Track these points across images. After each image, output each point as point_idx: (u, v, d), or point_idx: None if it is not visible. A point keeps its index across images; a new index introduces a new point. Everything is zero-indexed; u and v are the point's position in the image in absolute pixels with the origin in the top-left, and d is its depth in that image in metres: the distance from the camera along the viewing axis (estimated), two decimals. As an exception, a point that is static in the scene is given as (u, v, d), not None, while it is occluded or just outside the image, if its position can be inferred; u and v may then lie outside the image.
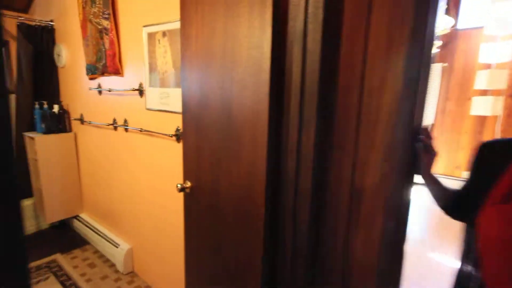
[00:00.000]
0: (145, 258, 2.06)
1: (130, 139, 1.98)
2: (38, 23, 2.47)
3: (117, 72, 1.92)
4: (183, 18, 1.25)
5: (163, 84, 1.64)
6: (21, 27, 2.37)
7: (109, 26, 1.88)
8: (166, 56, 1.58)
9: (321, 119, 0.86)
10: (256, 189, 1.01)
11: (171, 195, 1.73)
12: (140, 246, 2.09)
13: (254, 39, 0.96)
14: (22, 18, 2.42)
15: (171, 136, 1.61)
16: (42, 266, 2.21)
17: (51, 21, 2.50)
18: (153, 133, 1.74)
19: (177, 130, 1.60)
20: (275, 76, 0.93)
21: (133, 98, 1.87)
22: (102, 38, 1.97)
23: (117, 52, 1.88)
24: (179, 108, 1.55)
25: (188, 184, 1.39)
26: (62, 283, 2.05)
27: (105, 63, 1.99)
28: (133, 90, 1.79)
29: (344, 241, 0.86)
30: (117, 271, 2.21)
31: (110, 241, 2.28)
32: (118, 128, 2.06)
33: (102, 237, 2.37)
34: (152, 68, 1.68)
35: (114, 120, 2.07)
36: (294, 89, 0.90)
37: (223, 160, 1.18)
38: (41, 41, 2.48)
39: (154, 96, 1.70)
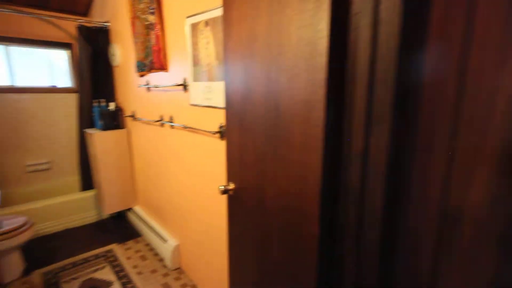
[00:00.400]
0: (191, 256, 2.03)
1: (175, 136, 1.95)
2: (95, 25, 2.59)
3: (163, 67, 1.88)
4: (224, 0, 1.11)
5: (206, 77, 1.53)
6: (81, 29, 2.51)
7: (154, 21, 1.85)
8: (209, 47, 1.47)
9: (398, 114, 0.64)
10: (307, 203, 0.82)
11: (215, 195, 1.64)
12: (186, 243, 2.07)
13: (306, 14, 0.76)
14: (82, 21, 2.56)
15: (214, 134, 1.50)
16: (100, 255, 2.35)
17: (107, 22, 2.61)
18: (197, 130, 1.66)
19: (221, 127, 1.49)
20: (334, 59, 0.73)
21: (178, 94, 1.82)
22: (148, 34, 1.96)
23: (162, 47, 1.84)
24: (222, 103, 1.44)
25: (232, 186, 1.27)
26: (116, 273, 2.13)
27: (151, 59, 1.97)
28: (177, 85, 1.73)
29: (429, 284, 0.63)
30: (165, 266, 2.23)
31: (159, 235, 2.31)
32: (165, 124, 2.04)
33: (152, 231, 2.42)
34: (195, 61, 1.59)
35: (161, 116, 2.06)
36: (360, 75, 0.69)
37: (268, 163, 1.02)
38: (98, 42, 2.61)
39: (198, 91, 1.61)
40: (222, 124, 1.47)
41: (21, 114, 2.73)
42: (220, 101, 1.45)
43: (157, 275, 2.13)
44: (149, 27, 1.93)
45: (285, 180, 0.93)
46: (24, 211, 2.43)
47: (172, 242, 2.18)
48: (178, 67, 1.76)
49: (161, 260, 2.31)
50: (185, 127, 1.74)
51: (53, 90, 2.89)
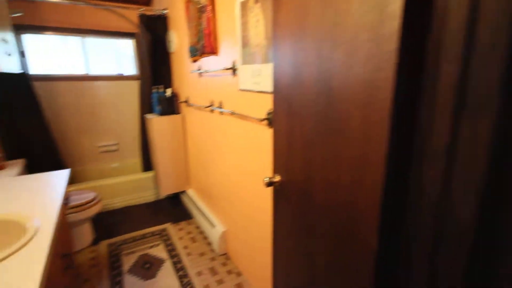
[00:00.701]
0: (237, 243, 2.01)
1: (224, 123, 1.90)
2: (155, 13, 2.67)
3: (213, 51, 1.83)
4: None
5: (255, 60, 1.42)
6: (142, 18, 2.62)
7: (206, 2, 1.79)
8: (258, 26, 1.35)
9: (508, 97, 0.43)
10: (364, 206, 0.66)
11: (261, 185, 1.55)
12: (233, 230, 2.05)
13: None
14: (142, 9, 2.66)
15: (262, 121, 1.40)
16: (155, 233, 2.50)
17: (165, 9, 2.67)
18: (245, 117, 1.58)
19: (269, 113, 1.37)
20: (410, 24, 0.54)
21: (226, 79, 1.76)
22: (200, 17, 1.92)
23: (213, 29, 1.78)
24: (271, 88, 1.31)
25: (277, 178, 1.16)
26: (168, 252, 2.24)
27: (203, 43, 1.94)
28: (226, 69, 1.66)
29: None
30: (213, 250, 2.27)
31: (208, 220, 2.35)
32: (214, 110, 2.01)
33: (202, 214, 2.48)
34: (244, 43, 1.48)
35: (211, 102, 2.04)
36: (450, 42, 0.49)
37: (317, 156, 0.88)
38: (157, 30, 2.69)
39: (246, 75, 1.51)
40: (270, 111, 1.36)
41: (94, 100, 3.02)
42: (269, 85, 1.33)
43: (205, 259, 2.17)
44: (201, 10, 1.89)
45: (336, 176, 0.78)
46: (94, 187, 2.72)
47: (219, 227, 2.19)
48: (228, 50, 1.69)
49: (209, 244, 2.35)
50: (233, 113, 1.67)
51: (120, 77, 3.13)
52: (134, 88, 3.16)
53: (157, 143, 2.69)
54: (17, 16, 2.39)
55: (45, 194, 1.41)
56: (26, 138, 2.42)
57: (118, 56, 3.20)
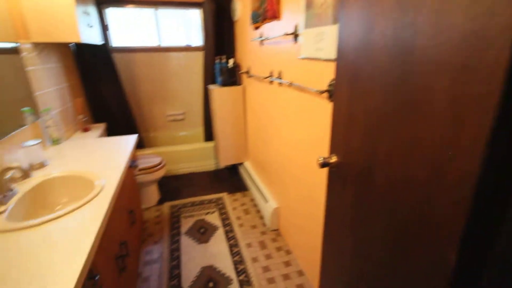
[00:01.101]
0: (289, 220, 1.95)
1: (282, 94, 1.77)
2: (221, -21, 2.59)
3: (275, 15, 1.67)
4: None
5: (319, 21, 1.23)
6: (208, -15, 2.57)
7: (271, -40, 1.62)
8: (327, -20, 1.14)
9: None
10: (443, 211, 0.49)
11: (315, 164, 1.41)
12: (285, 207, 1.99)
13: None
14: (210, -24, 2.60)
15: (322, 93, 1.23)
16: (212, 201, 2.61)
17: (232, -26, 2.56)
18: (303, 88, 1.43)
19: (330, 85, 1.19)
20: None
21: (287, 46, 1.60)
22: (265, -22, 1.76)
23: (277, -10, 1.62)
24: (335, 54, 1.13)
25: (334, 159, 1.02)
26: (222, 220, 2.33)
27: (265, 7, 1.79)
28: (287, 35, 1.50)
29: None
30: (264, 225, 2.26)
31: (262, 194, 2.33)
32: (273, 81, 1.89)
33: (256, 188, 2.48)
34: (308, 3, 1.29)
35: (271, 72, 1.92)
36: None
37: (383, 138, 0.70)
38: (222, -2, 2.62)
39: (309, 40, 1.34)
40: (332, 82, 1.18)
41: (165, 71, 3.20)
42: (332, 52, 1.14)
43: (256, 232, 2.19)
44: (265, -31, 1.72)
45: (407, 165, 0.61)
46: (161, 152, 2.95)
47: (272, 203, 2.15)
48: (291, 14, 1.51)
49: (262, 217, 2.35)
50: (291, 84, 1.53)
51: (187, 48, 3.21)
52: (199, 58, 3.22)
53: (218, 114, 2.73)
54: (101, -10, 2.59)
55: (114, 156, 1.54)
56: (108, 104, 2.72)
57: (187, 27, 3.28)
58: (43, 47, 1.79)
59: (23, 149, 1.33)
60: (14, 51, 1.49)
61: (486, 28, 0.42)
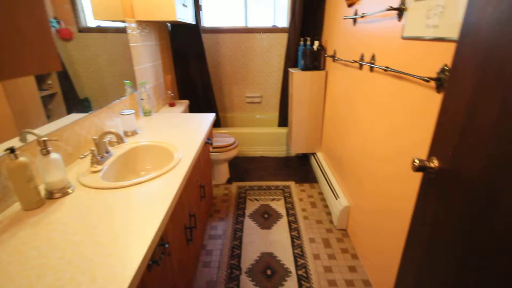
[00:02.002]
0: (359, 223, 1.76)
1: (373, 81, 1.55)
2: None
3: (377, -11, 1.44)
4: None
5: (438, -9, 0.99)
6: (301, -39, 2.41)
7: None
8: None
9: None
10: None
11: (405, 167, 1.20)
12: (357, 208, 1.80)
13: None
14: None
15: (428, 81, 1.00)
16: (279, 187, 2.57)
17: None
18: (403, 75, 1.20)
19: (442, 71, 0.96)
20: None
21: (388, 24, 1.36)
22: None
23: (383, -42, 1.38)
24: (455, 33, 0.89)
25: (434, 163, 0.82)
26: (287, 209, 2.27)
27: (365, -20, 1.56)
28: (390, 9, 1.27)
29: None
30: (331, 222, 2.12)
31: (333, 189, 2.17)
32: (364, 66, 1.67)
33: (327, 182, 2.32)
34: (426, -31, 1.05)
35: (362, 56, 1.69)
36: None
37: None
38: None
39: (418, 16, 1.10)
40: (446, 68, 0.94)
41: (248, 52, 3.22)
42: (451, 30, 0.90)
43: (321, 228, 2.06)
44: None
45: None
46: (235, 133, 3.02)
47: (343, 201, 1.98)
48: (398, -15, 1.27)
49: (329, 214, 2.21)
50: (386, 70, 1.31)
51: (273, 30, 3.15)
52: (283, 41, 3.12)
53: (295, 99, 2.62)
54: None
55: (193, 131, 1.61)
56: (193, 82, 2.89)
57: (274, 8, 3.20)
58: (145, 26, 1.97)
59: (121, 117, 1.49)
60: (123, 30, 1.66)
61: None
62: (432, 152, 0.85)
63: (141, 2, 1.77)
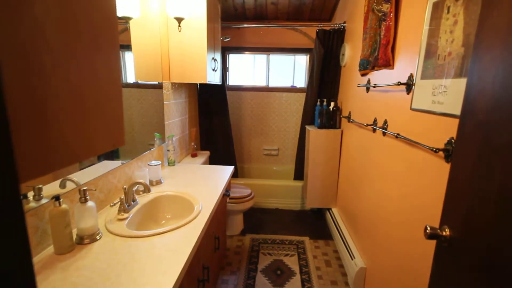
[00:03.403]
0: (376, 286, 1.68)
1: (385, 145, 1.63)
2: (333, 27, 2.70)
3: (388, 63, 1.60)
4: None
5: (440, 73, 1.11)
6: (318, 33, 2.72)
7: (388, 10, 1.60)
8: (455, 30, 1.04)
9: None
10: None
11: (418, 232, 1.20)
12: (374, 270, 1.73)
13: None
14: (321, 25, 2.75)
15: (437, 151, 1.07)
16: (293, 242, 2.53)
17: (344, 23, 2.64)
18: (413, 143, 1.28)
19: (449, 143, 1.03)
20: None
21: (398, 95, 1.49)
22: (380, 26, 1.73)
23: (391, 39, 1.56)
24: (458, 110, 0.98)
25: (446, 232, 0.85)
26: (300, 266, 2.20)
27: (377, 55, 1.74)
28: (399, 84, 1.40)
29: None
30: (346, 283, 2.02)
31: (348, 248, 2.12)
32: (377, 130, 1.77)
33: (342, 240, 2.27)
34: (429, 53, 1.19)
35: (375, 120, 1.80)
36: None
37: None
38: (331, 44, 2.71)
39: (425, 92, 1.21)
40: (451, 140, 1.01)
41: (267, 108, 3.45)
42: (456, 107, 1.00)
43: (336, 290, 1.97)
44: (381, 18, 1.71)
45: None
46: (252, 184, 3.09)
47: (359, 262, 1.91)
48: (406, 62, 1.42)
49: (344, 274, 2.11)
50: (397, 136, 1.39)
51: (291, 89, 3.40)
52: (301, 99, 3.34)
53: (311, 155, 2.71)
54: (226, 41, 3.08)
55: (213, 183, 1.70)
56: (215, 134, 3.08)
57: (293, 70, 3.50)
58: (178, 86, 2.22)
59: (148, 167, 1.62)
60: (158, 86, 1.89)
61: None
62: (444, 221, 0.88)
63: (177, 67, 2.04)
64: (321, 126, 2.67)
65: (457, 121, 0.95)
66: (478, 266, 0.70)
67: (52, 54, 0.41)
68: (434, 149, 1.07)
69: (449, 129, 1.03)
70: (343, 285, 2.02)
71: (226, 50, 3.22)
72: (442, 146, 1.06)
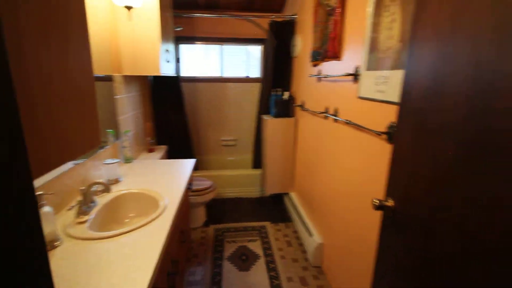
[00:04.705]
0: (333, 259, 1.87)
1: (337, 131, 1.78)
2: (284, 19, 2.79)
3: (336, 55, 1.74)
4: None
5: (382, 65, 1.26)
6: (271, 24, 2.78)
7: (336, 5, 1.72)
8: (393, 27, 1.18)
9: None
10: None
11: (367, 205, 1.37)
12: (330, 244, 1.92)
13: None
14: (273, 16, 2.82)
15: (380, 134, 1.22)
16: (255, 228, 2.63)
17: (294, 14, 2.74)
18: (361, 128, 1.43)
19: (390, 127, 1.18)
20: None
21: (346, 85, 1.63)
22: (327, 21, 1.86)
23: (339, 33, 1.69)
24: (396, 98, 1.13)
25: (390, 203, 0.99)
26: (264, 250, 2.32)
27: (326, 47, 1.87)
28: (347, 75, 1.54)
29: None
30: (306, 259, 2.20)
31: (306, 227, 2.29)
32: (328, 117, 1.92)
33: (301, 220, 2.44)
34: (372, 47, 1.33)
35: (326, 108, 1.95)
36: None
37: (452, 195, 0.68)
38: (283, 35, 2.80)
39: (369, 82, 1.36)
40: (393, 124, 1.17)
41: (223, 99, 3.45)
42: (395, 95, 1.15)
43: (297, 266, 2.13)
44: (329, 12, 1.83)
45: (488, 226, 0.58)
46: (212, 176, 3.10)
47: (317, 238, 2.09)
48: (352, 55, 1.56)
49: (304, 252, 2.29)
50: (348, 123, 1.54)
51: (246, 80, 3.44)
52: (256, 89, 3.41)
53: (268, 143, 2.81)
54: (178, 30, 2.97)
55: (175, 178, 1.69)
56: (172, 128, 3.00)
57: (247, 60, 3.53)
58: (129, 79, 2.10)
59: (105, 166, 1.54)
60: (109, 78, 1.77)
61: None
62: (388, 193, 1.02)
63: (129, 59, 1.92)
64: (276, 115, 2.78)
65: (396, 107, 1.11)
66: (416, 229, 0.84)
67: (24, 36, 0.39)
68: (379, 132, 1.22)
69: (391, 114, 1.18)
70: (303, 261, 2.19)
71: (178, 40, 3.11)
72: (385, 129, 1.22)
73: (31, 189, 0.28)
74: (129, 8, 1.71)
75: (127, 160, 1.92)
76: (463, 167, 0.65)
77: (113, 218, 1.36)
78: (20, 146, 0.27)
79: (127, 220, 1.40)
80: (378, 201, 1.00)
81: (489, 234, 0.57)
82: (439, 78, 0.75)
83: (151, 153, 2.44)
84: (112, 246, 1.00)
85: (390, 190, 1.01)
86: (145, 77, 2.60)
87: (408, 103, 0.91)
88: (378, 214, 1.28)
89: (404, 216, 0.91)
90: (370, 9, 1.34)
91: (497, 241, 0.55)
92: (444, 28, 0.73)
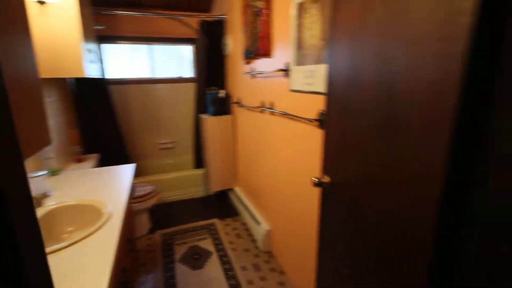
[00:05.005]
0: (281, 242, 2.02)
1: (274, 123, 1.93)
2: (214, 18, 2.83)
3: (267, 53, 1.88)
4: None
5: (308, 61, 1.43)
6: (202, 24, 2.80)
7: (262, 6, 1.85)
8: (314, 27, 1.35)
9: None
10: (420, 217, 0.63)
11: (308, 186, 1.54)
12: (278, 229, 2.07)
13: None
14: (203, 16, 2.84)
15: (313, 122, 1.39)
16: (204, 227, 2.64)
17: (223, 14, 2.81)
18: (295, 118, 1.59)
19: (320, 114, 1.36)
20: (485, 23, 0.51)
21: (278, 80, 1.79)
22: (256, 21, 1.98)
23: (268, 32, 1.83)
24: (322, 88, 1.31)
25: (326, 179, 1.15)
26: (215, 245, 2.35)
27: (257, 45, 2.00)
28: (279, 71, 1.69)
29: None
30: (257, 247, 2.31)
31: (254, 217, 2.41)
32: (265, 111, 2.06)
33: (248, 212, 2.55)
34: (299, 45, 1.50)
35: (262, 103, 2.09)
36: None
37: (370, 159, 0.85)
38: (214, 35, 2.85)
39: (298, 76, 1.52)
40: (322, 112, 1.35)
41: (156, 101, 3.31)
42: (321, 86, 1.32)
43: (249, 255, 2.23)
44: (257, 13, 1.95)
45: (390, 179, 0.75)
46: (152, 181, 2.98)
47: (264, 226, 2.23)
48: (281, 52, 1.72)
49: (254, 241, 2.41)
50: (283, 114, 1.70)
51: (179, 80, 3.37)
52: (190, 89, 3.38)
53: (209, 141, 2.84)
54: (100, 29, 2.73)
55: (115, 185, 1.59)
56: (101, 135, 2.76)
57: (179, 60, 3.46)
58: (47, 82, 1.87)
59: (30, 180, 1.36)
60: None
61: (442, 87, 0.59)
62: (324, 171, 1.19)
63: (46, 60, 1.70)
64: (215, 113, 2.82)
65: (323, 97, 1.28)
66: (346, 198, 1.01)
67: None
68: (311, 120, 1.39)
69: (320, 103, 1.36)
70: (254, 249, 2.30)
71: (100, 40, 2.86)
72: (316, 117, 1.39)
73: None
74: (41, 2, 1.54)
75: (54, 172, 1.72)
76: (373, 142, 0.82)
77: (47, 236, 1.23)
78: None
79: (65, 235, 1.28)
80: (317, 179, 1.15)
81: (392, 185, 0.74)
82: (354, 71, 0.91)
83: (81, 163, 2.22)
84: (56, 261, 0.92)
85: (326, 167, 1.17)
86: (64, 80, 2.34)
87: (333, 92, 1.07)
88: (316, 195, 1.45)
89: (337, 189, 1.08)
90: (293, 11, 1.50)
91: (397, 186, 0.72)
92: (355, 29, 0.89)
